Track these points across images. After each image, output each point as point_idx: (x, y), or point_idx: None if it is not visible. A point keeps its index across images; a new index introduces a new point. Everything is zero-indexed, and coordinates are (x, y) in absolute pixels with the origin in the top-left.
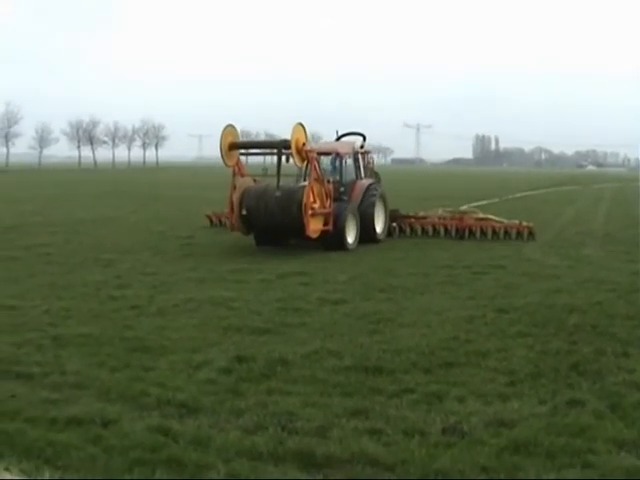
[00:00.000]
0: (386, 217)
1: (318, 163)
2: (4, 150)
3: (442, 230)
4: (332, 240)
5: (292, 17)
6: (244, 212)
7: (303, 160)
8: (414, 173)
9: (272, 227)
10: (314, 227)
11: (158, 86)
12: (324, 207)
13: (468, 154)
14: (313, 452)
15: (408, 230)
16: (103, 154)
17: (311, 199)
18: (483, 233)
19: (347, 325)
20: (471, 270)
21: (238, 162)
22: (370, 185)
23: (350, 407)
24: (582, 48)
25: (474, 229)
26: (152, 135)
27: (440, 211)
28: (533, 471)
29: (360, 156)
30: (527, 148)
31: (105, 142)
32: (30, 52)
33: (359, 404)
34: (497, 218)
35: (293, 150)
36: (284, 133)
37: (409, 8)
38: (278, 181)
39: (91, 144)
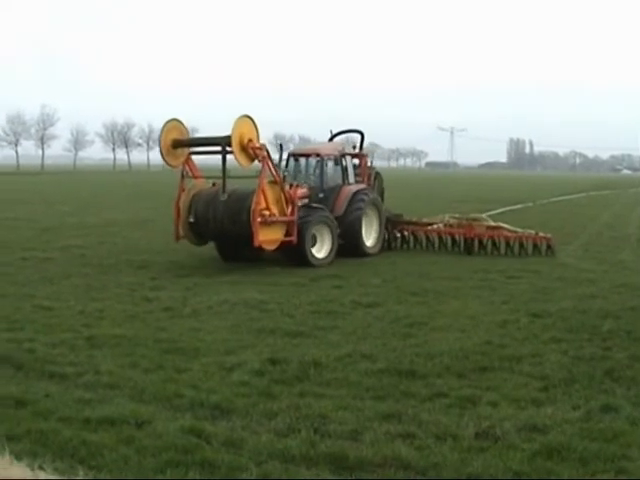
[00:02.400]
0: (381, 227)
1: (272, 162)
2: (40, 152)
3: (449, 240)
4: (294, 253)
5: (324, 24)
6: (191, 219)
7: (252, 159)
8: (448, 176)
9: (221, 236)
10: (265, 237)
11: (192, 88)
12: (284, 214)
13: (502, 158)
14: (345, 455)
15: (411, 239)
16: (138, 156)
17: (262, 205)
18: (494, 245)
19: (380, 328)
20: (505, 274)
21: (189, 162)
22: (359, 191)
23: (383, 411)
24: (615, 53)
25: (484, 240)
26: None
27: (447, 217)
28: (566, 476)
29: (348, 159)
30: (561, 152)
31: (140, 144)
32: (67, 53)
33: (392, 408)
34: (510, 227)
35: (234, 147)
36: (322, 137)
37: (448, 13)
38: (224, 183)
39: (126, 146)
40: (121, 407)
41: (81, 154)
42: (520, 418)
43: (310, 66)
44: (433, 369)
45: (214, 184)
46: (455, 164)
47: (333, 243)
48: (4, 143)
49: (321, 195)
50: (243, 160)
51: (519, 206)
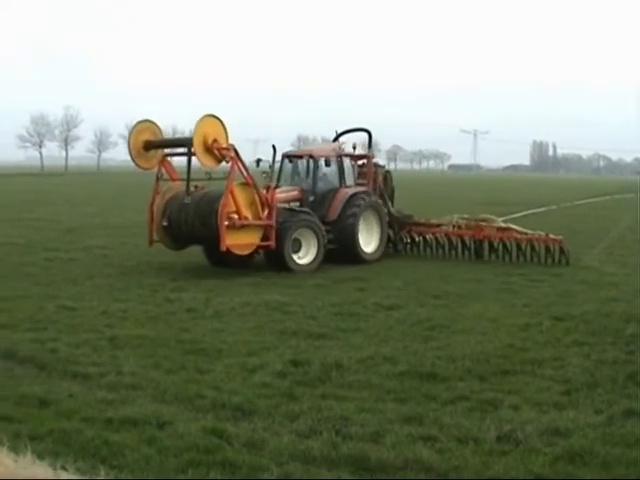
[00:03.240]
0: (383, 232)
1: (242, 163)
2: (63, 153)
3: (459, 243)
4: (273, 258)
5: (346, 28)
6: (164, 223)
7: (218, 160)
8: (471, 179)
9: (193, 240)
10: (234, 241)
11: (214, 90)
12: (258, 218)
13: (525, 160)
14: (367, 457)
15: (420, 241)
16: None
17: (229, 207)
18: (505, 248)
19: (402, 331)
20: (527, 277)
21: (165, 164)
22: (355, 194)
23: (404, 413)
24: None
25: (495, 242)
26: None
27: (455, 217)
28: None
29: (346, 160)
30: (585, 154)
31: None
32: (89, 55)
33: (413, 410)
34: (520, 229)
35: (196, 148)
36: (349, 141)
37: (473, 11)
38: (188, 185)
39: None
40: (143, 407)
41: (104, 155)
42: (542, 422)
43: (336, 67)
44: (455, 372)
45: (196, 187)
46: (478, 166)
47: (319, 249)
48: (28, 144)
49: (312, 198)
50: (207, 161)
51: (543, 209)
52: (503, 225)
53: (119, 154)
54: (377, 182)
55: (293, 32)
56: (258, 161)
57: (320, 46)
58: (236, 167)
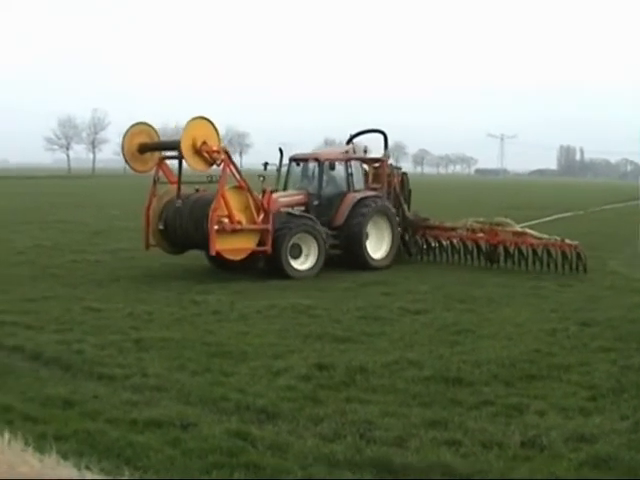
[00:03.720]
0: (393, 238)
1: (235, 167)
2: (91, 156)
3: (474, 248)
4: (271, 264)
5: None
6: (161, 226)
7: (209, 163)
8: (498, 183)
9: (188, 244)
10: (225, 246)
11: (241, 94)
12: (253, 222)
13: (552, 165)
14: (390, 461)
15: (436, 246)
16: None
17: (220, 211)
18: (521, 253)
19: (427, 335)
20: (557, 282)
21: (163, 167)
22: (363, 199)
23: (429, 418)
24: None
25: (510, 247)
26: (236, 142)
27: (470, 221)
28: None
29: (355, 164)
30: (613, 159)
31: None
32: (117, 58)
33: (438, 415)
34: (536, 233)
35: (184, 151)
36: (371, 142)
37: (502, 14)
38: (179, 189)
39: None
40: (168, 409)
41: None
42: (567, 427)
43: (364, 71)
44: (480, 377)
45: (197, 190)
46: (505, 171)
47: (319, 254)
48: (55, 147)
49: (316, 202)
50: (196, 164)
51: (569, 214)
52: (519, 229)
53: None
54: (392, 185)
55: (323, 36)
56: (265, 165)
57: (348, 50)
58: (228, 170)
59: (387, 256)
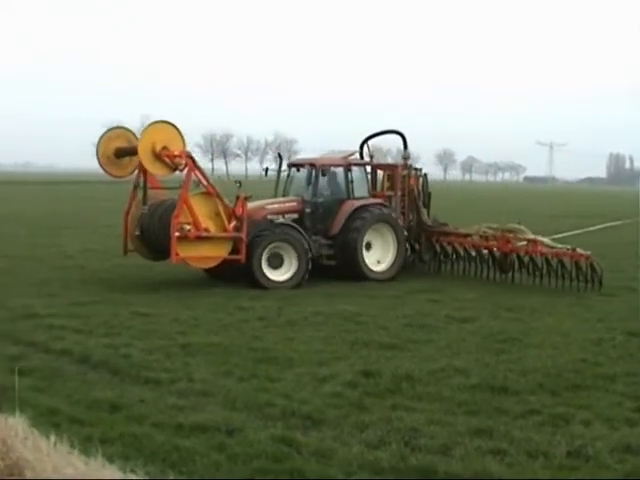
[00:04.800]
0: (399, 248)
1: (201, 172)
2: None
3: (487, 256)
4: (245, 273)
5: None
6: (137, 232)
7: (171, 169)
8: (547, 191)
9: (162, 252)
10: (189, 254)
11: (291, 100)
12: (224, 230)
13: (602, 173)
14: (435, 469)
15: (451, 253)
16: (236, 167)
17: (181, 218)
18: (535, 264)
19: (474, 343)
20: (602, 292)
21: (145, 172)
22: (362, 207)
23: (474, 426)
24: None
25: (523, 256)
26: (284, 149)
27: (483, 227)
28: None
29: (357, 170)
30: None
31: (238, 155)
32: (164, 64)
33: (483, 423)
34: (549, 241)
35: (142, 156)
36: (422, 149)
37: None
38: (145, 195)
39: (224, 157)
40: (213, 414)
41: None
42: (613, 438)
43: (410, 77)
44: (526, 386)
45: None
46: (554, 179)
47: (299, 264)
48: None
49: (308, 210)
50: (156, 169)
51: (618, 222)
52: (531, 237)
53: None
54: (409, 189)
55: (372, 44)
56: (266, 170)
57: (394, 58)
58: (192, 176)
59: (391, 267)
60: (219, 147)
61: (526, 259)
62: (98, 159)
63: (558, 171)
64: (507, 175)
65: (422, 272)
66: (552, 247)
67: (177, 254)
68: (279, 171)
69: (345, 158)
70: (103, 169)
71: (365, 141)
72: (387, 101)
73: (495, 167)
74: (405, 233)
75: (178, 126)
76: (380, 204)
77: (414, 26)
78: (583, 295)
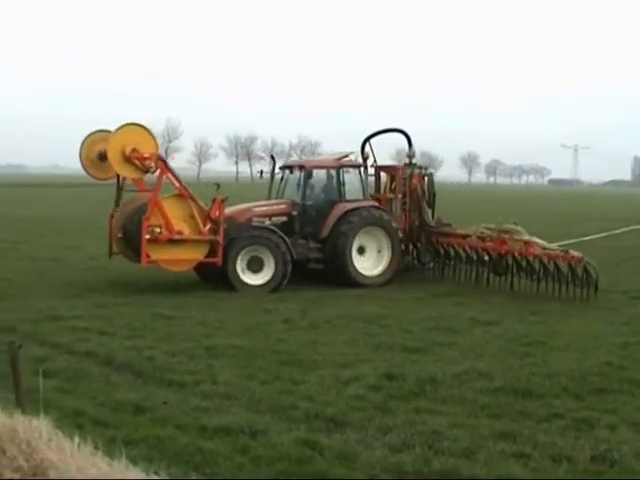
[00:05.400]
0: (393, 252)
1: (173, 174)
2: None
3: (485, 257)
4: (221, 276)
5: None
6: (120, 235)
7: (142, 171)
8: (571, 193)
9: (139, 253)
10: (160, 256)
11: (315, 102)
12: (199, 232)
13: (626, 176)
14: (458, 473)
15: (452, 255)
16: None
17: (152, 220)
18: (531, 266)
19: (498, 346)
20: (628, 295)
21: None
22: (353, 210)
23: (498, 430)
24: None
25: (518, 258)
26: (309, 152)
27: (481, 228)
28: None
29: (350, 172)
30: None
31: (262, 158)
32: (190, 67)
33: (507, 427)
34: (545, 243)
35: (111, 159)
36: (446, 152)
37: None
38: (118, 197)
39: (249, 159)
40: (237, 417)
41: (204, 166)
42: (638, 443)
43: (434, 80)
44: (550, 389)
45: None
46: (578, 181)
47: (276, 268)
48: None
49: (295, 213)
50: (127, 172)
51: None
52: (526, 238)
53: (219, 165)
54: (412, 189)
55: (396, 48)
56: (261, 173)
57: (419, 61)
58: (163, 178)
59: (384, 272)
60: (243, 150)
61: (524, 262)
62: (81, 162)
63: (583, 174)
64: (531, 178)
65: (423, 277)
66: (545, 248)
67: (148, 256)
68: (272, 173)
69: (337, 160)
70: (86, 172)
71: (366, 141)
72: (410, 102)
73: (519, 170)
74: (400, 236)
75: (149, 128)
76: (374, 207)
77: (439, 26)
78: (609, 298)
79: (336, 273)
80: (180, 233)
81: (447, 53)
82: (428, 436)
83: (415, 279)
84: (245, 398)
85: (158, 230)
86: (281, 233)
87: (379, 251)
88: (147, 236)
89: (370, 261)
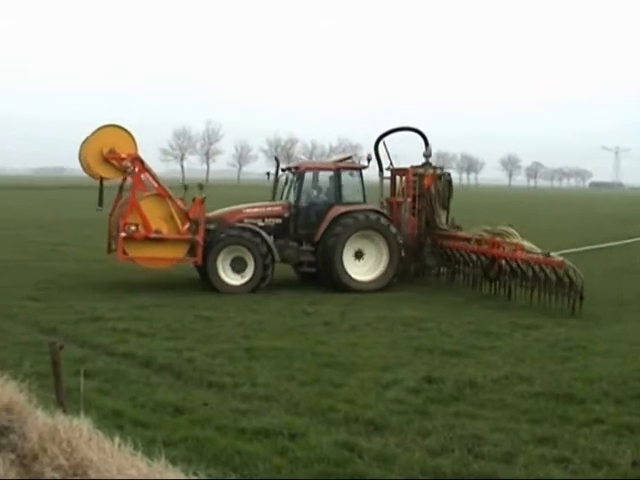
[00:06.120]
0: (391, 257)
1: (151, 174)
2: (204, 166)
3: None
4: (204, 275)
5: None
6: (115, 233)
7: (120, 171)
8: (613, 196)
9: None
10: (138, 254)
11: (355, 104)
12: (177, 232)
13: None
14: (498, 477)
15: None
16: None
17: (133, 219)
18: (522, 270)
19: (539, 351)
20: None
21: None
22: (348, 213)
23: (538, 434)
24: None
25: (512, 262)
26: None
27: (480, 231)
28: None
29: (348, 174)
30: None
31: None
32: (232, 70)
33: (547, 432)
34: (529, 246)
35: (90, 159)
36: (487, 155)
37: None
38: (100, 197)
39: (288, 162)
40: (276, 419)
41: (244, 169)
42: None
43: (479, 83)
44: (591, 394)
45: (181, 198)
46: (620, 184)
47: (255, 269)
48: (170, 158)
49: (286, 215)
50: (105, 172)
51: None
52: (515, 241)
53: (259, 167)
54: (422, 192)
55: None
56: (268, 174)
57: (467, 65)
58: (141, 178)
59: (381, 277)
60: (284, 152)
61: (514, 266)
62: (81, 160)
63: (624, 176)
64: (572, 181)
65: (456, 280)
66: (531, 252)
67: (124, 253)
68: (276, 175)
69: (335, 162)
70: (86, 172)
71: (378, 140)
72: (452, 102)
73: (560, 173)
74: (400, 240)
75: (129, 129)
76: (371, 210)
77: (483, 28)
78: None
79: (327, 277)
80: (159, 232)
81: (494, 56)
82: (467, 440)
83: (448, 283)
84: (284, 400)
85: (133, 228)
86: (264, 235)
87: (377, 256)
88: (123, 234)
89: (367, 266)
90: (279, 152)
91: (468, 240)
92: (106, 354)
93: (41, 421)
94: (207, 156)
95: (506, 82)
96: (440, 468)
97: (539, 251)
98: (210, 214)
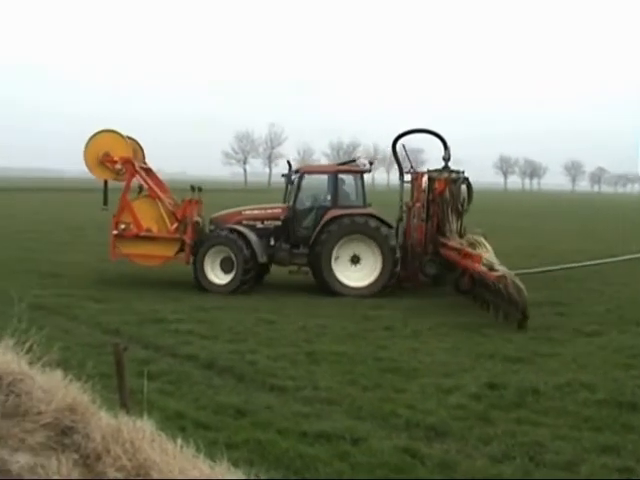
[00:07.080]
0: (384, 264)
1: (141, 176)
2: (267, 170)
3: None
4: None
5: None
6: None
7: (114, 173)
8: None
9: None
10: (131, 251)
11: (420, 108)
12: (166, 231)
13: None
14: None
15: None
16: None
17: (125, 218)
18: (494, 284)
19: (602, 358)
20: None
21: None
22: (340, 217)
23: (601, 443)
24: None
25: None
26: (412, 158)
27: (478, 234)
28: None
29: (343, 177)
30: None
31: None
32: (296, 73)
33: (610, 440)
34: (488, 257)
35: (87, 163)
36: (550, 160)
37: None
38: (105, 197)
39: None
40: (338, 423)
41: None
42: None
43: (539, 86)
44: None
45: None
46: None
47: (237, 270)
48: (233, 161)
49: (283, 217)
50: (100, 174)
51: None
52: (477, 252)
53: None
54: (434, 196)
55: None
56: (283, 176)
57: (529, 69)
58: (133, 180)
59: (372, 284)
60: (346, 156)
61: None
62: (86, 160)
63: None
64: (637, 187)
65: (547, 285)
66: (484, 264)
67: (115, 250)
68: (288, 178)
69: (334, 165)
70: (90, 172)
71: (395, 142)
72: (512, 108)
73: (624, 178)
74: (392, 244)
75: (122, 134)
76: (366, 214)
77: (544, 34)
78: None
79: (318, 281)
80: (149, 231)
81: (563, 60)
82: (529, 447)
83: None
84: (346, 404)
85: (123, 226)
86: (251, 236)
87: (373, 261)
88: (114, 232)
89: (364, 271)
90: (342, 155)
91: (458, 250)
92: (169, 356)
93: (104, 422)
94: (269, 159)
95: (573, 86)
96: (502, 475)
97: (496, 263)
98: (214, 215)
